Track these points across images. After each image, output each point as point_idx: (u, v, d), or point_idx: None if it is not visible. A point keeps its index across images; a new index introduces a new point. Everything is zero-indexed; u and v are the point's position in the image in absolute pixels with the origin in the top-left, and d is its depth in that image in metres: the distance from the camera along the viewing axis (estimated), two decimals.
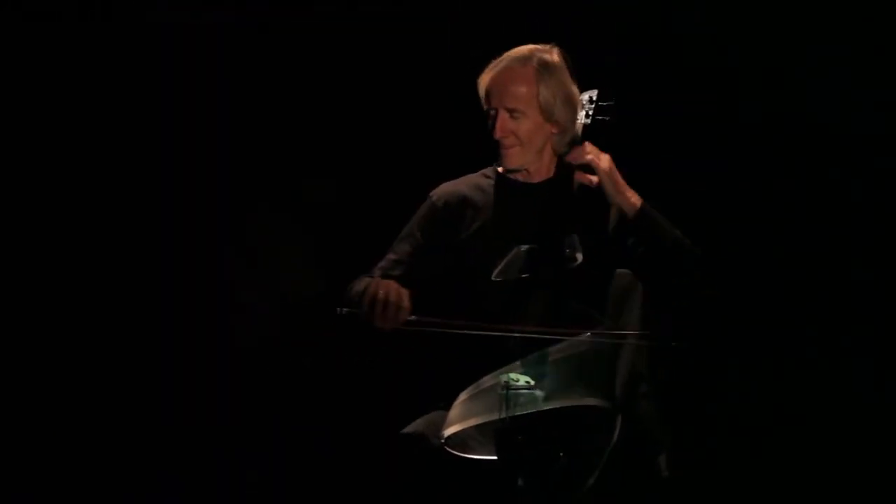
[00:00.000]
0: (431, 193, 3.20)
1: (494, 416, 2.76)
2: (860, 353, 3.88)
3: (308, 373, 3.96)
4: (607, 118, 3.14)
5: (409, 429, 2.94)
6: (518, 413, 2.75)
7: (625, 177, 3.07)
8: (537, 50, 3.11)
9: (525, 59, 3.08)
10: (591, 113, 3.14)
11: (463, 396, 2.82)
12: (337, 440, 3.94)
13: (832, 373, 3.88)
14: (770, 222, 3.97)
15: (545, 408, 2.76)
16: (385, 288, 2.87)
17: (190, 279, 4.02)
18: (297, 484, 3.93)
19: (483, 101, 3.11)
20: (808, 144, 3.93)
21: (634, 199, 3.01)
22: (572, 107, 3.11)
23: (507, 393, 2.77)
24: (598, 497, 2.74)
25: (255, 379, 4.01)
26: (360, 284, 3.01)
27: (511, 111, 3.06)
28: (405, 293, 2.88)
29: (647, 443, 2.97)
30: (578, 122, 3.14)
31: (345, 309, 2.88)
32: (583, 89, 3.20)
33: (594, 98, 3.17)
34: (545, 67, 3.07)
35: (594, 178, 3.04)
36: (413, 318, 2.87)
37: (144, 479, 3.94)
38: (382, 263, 3.13)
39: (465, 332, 2.84)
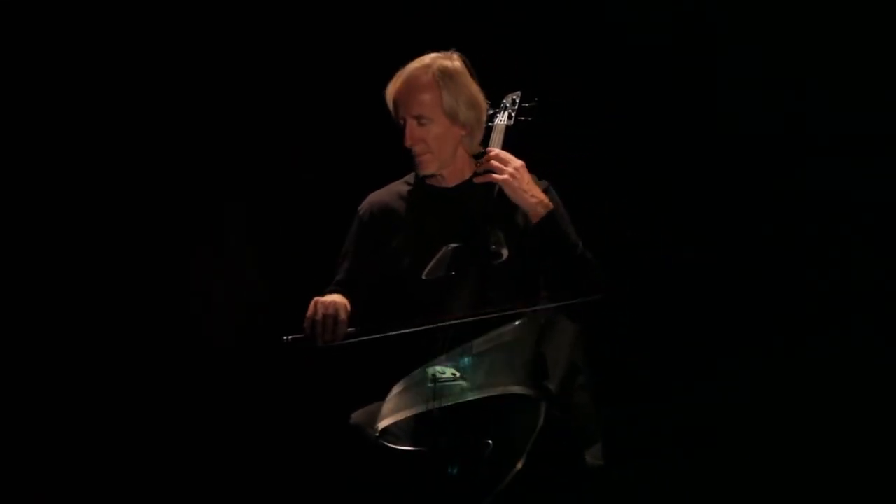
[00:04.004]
0: (359, 207, 3.31)
1: (425, 408, 2.90)
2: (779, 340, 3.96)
3: (245, 367, 4.08)
4: (529, 119, 3.27)
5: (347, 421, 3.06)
6: (446, 404, 2.88)
7: (545, 175, 3.20)
8: (438, 57, 3.20)
9: (426, 68, 3.17)
10: (513, 114, 3.27)
11: (395, 390, 2.95)
12: (276, 433, 4.03)
13: (761, 366, 3.95)
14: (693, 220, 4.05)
15: (472, 398, 2.89)
16: (322, 307, 3.00)
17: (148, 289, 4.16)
18: (235, 477, 4.03)
19: (392, 112, 3.21)
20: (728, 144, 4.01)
21: (540, 207, 3.09)
22: (476, 108, 3.21)
23: (436, 385, 2.90)
24: (532, 485, 2.86)
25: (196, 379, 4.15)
26: None
27: (418, 118, 3.16)
28: (341, 307, 3.01)
29: (583, 433, 3.09)
30: (501, 123, 3.26)
31: (290, 336, 3.00)
32: (507, 92, 3.33)
33: (517, 100, 3.30)
34: (445, 73, 3.17)
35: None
36: (351, 329, 3.01)
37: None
38: (331, 287, 3.23)
39: (402, 332, 2.95)
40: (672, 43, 4.02)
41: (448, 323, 2.97)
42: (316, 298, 3.04)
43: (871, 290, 3.92)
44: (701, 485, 3.86)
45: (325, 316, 2.98)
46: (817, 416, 3.89)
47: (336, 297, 3.05)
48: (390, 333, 2.96)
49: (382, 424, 2.91)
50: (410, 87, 3.17)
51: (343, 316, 3.00)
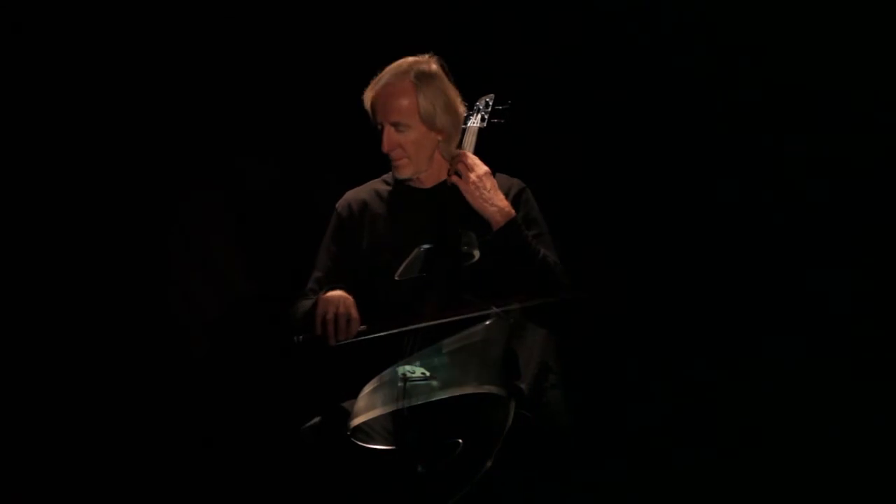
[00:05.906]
0: (337, 205, 3.34)
1: (396, 407, 2.92)
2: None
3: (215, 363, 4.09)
4: (502, 121, 3.30)
5: (318, 419, 3.09)
6: (416, 403, 2.91)
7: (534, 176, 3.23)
8: (415, 62, 3.22)
9: (403, 73, 3.19)
10: (486, 117, 3.30)
11: (366, 389, 2.97)
12: (248, 431, 4.01)
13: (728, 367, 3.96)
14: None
15: (442, 397, 2.92)
16: (333, 305, 3.00)
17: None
18: (205, 477, 4.03)
19: (370, 116, 3.24)
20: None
21: (499, 215, 3.10)
22: (453, 113, 3.23)
23: (406, 384, 2.93)
24: (501, 484, 2.89)
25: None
26: (303, 306, 3.14)
27: (395, 125, 3.19)
28: (351, 304, 3.02)
29: (554, 431, 3.12)
30: (474, 125, 3.28)
31: (300, 336, 3.02)
32: (482, 94, 3.35)
33: (490, 102, 3.33)
34: (423, 78, 3.19)
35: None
36: (363, 327, 3.01)
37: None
38: (311, 284, 3.26)
39: (411, 328, 2.98)
40: (670, 42, 4.01)
41: (453, 319, 2.97)
42: (322, 296, 3.04)
43: (870, 291, 3.91)
44: (678, 485, 3.90)
45: (337, 315, 2.99)
46: (803, 422, 3.88)
47: (343, 294, 3.04)
48: (401, 329, 2.97)
49: (354, 423, 2.94)
50: (388, 92, 3.19)
51: (355, 313, 3.01)
